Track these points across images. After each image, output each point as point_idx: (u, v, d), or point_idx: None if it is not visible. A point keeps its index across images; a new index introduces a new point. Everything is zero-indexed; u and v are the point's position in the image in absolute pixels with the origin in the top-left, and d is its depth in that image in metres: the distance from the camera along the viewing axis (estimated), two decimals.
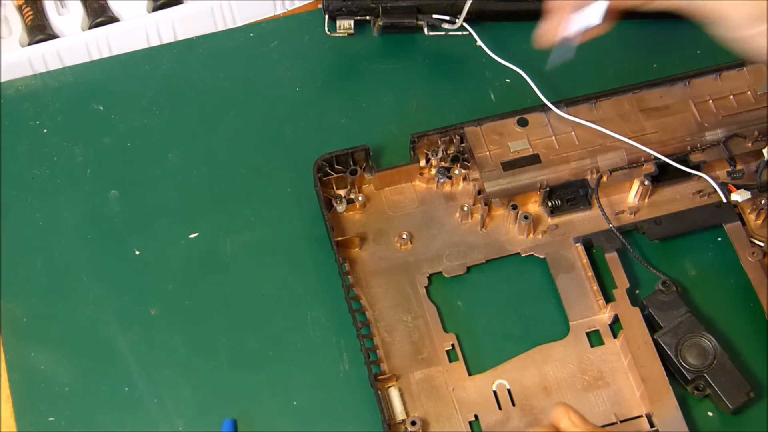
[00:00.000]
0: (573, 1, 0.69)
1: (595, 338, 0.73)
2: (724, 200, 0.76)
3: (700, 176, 0.76)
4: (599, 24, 0.68)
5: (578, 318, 0.74)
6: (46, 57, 0.84)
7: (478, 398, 0.71)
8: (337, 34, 0.85)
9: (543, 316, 0.74)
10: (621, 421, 0.70)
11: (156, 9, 0.86)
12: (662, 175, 0.77)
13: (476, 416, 0.71)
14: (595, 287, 0.74)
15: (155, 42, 0.86)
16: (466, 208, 0.76)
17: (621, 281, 0.74)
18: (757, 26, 0.67)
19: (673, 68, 0.80)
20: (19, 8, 0.86)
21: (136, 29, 0.85)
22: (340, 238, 0.75)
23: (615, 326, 0.73)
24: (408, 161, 0.78)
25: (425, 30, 0.84)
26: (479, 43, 0.82)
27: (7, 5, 0.87)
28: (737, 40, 0.68)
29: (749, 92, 0.78)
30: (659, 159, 0.76)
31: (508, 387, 0.72)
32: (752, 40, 0.68)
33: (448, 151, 0.77)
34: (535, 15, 0.74)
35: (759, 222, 0.76)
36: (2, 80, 0.83)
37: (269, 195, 0.79)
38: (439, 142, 0.77)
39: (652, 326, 0.72)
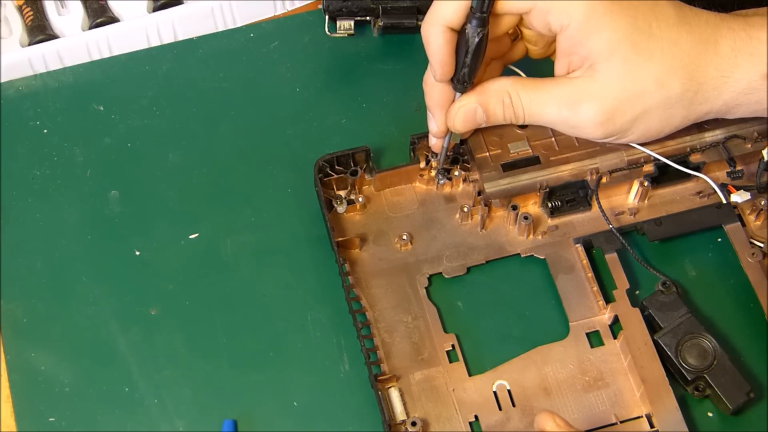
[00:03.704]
0: (448, 98, 0.73)
1: (595, 339, 0.73)
2: (724, 201, 0.76)
3: (700, 177, 0.76)
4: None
5: (578, 319, 0.74)
6: (46, 57, 0.84)
7: (478, 399, 0.71)
8: (337, 35, 0.85)
9: (543, 316, 0.74)
10: (621, 422, 0.70)
11: (156, 9, 0.86)
12: (662, 176, 0.77)
13: (476, 417, 0.71)
14: (595, 288, 0.74)
15: (155, 42, 0.86)
16: (466, 209, 0.76)
17: (621, 282, 0.74)
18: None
19: None
20: (19, 8, 0.86)
21: (136, 29, 0.85)
22: (340, 239, 0.75)
23: (615, 327, 0.73)
24: (408, 162, 0.78)
25: None
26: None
27: (7, 5, 0.87)
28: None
29: None
30: (659, 160, 0.76)
31: (508, 387, 0.72)
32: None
33: (449, 153, 0.77)
34: None
35: (759, 223, 0.76)
36: (2, 80, 0.83)
37: (269, 195, 0.79)
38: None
39: (652, 327, 0.72)
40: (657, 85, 0.70)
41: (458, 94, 0.73)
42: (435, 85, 0.73)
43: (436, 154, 0.77)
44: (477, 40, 0.69)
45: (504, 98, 0.72)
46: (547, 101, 0.72)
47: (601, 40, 0.69)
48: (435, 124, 0.74)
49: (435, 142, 0.76)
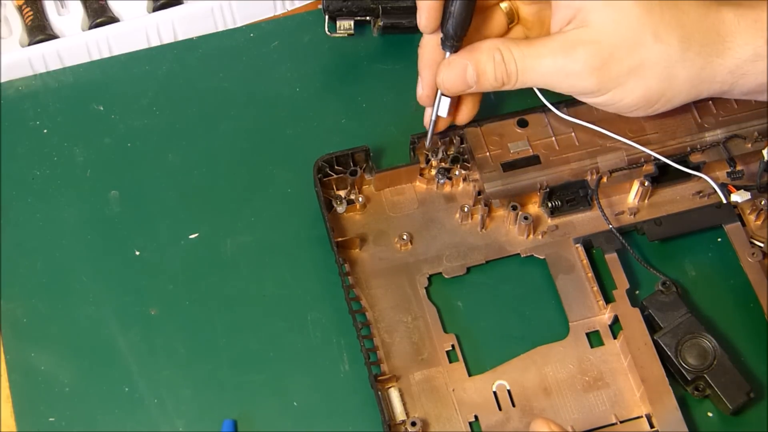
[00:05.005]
0: (437, 59, 0.72)
1: (595, 339, 0.73)
2: (724, 201, 0.76)
3: (700, 177, 0.76)
4: (450, 114, 0.74)
5: (578, 319, 0.74)
6: (46, 57, 0.84)
7: (478, 399, 0.71)
8: (337, 35, 0.85)
9: (543, 316, 0.74)
10: (621, 422, 0.70)
11: (156, 9, 0.86)
12: (662, 176, 0.77)
13: (476, 417, 0.71)
14: (595, 288, 0.74)
15: (155, 42, 0.86)
16: (466, 209, 0.76)
17: (621, 282, 0.74)
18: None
19: None
20: (19, 8, 0.86)
21: (136, 29, 0.85)
22: (340, 239, 0.75)
23: (615, 327, 0.73)
24: (408, 162, 0.78)
25: None
26: None
27: (7, 5, 0.87)
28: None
29: None
30: (659, 160, 0.76)
31: (508, 388, 0.72)
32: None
33: (448, 152, 0.77)
34: None
35: (759, 223, 0.76)
36: (2, 80, 0.83)
37: (269, 195, 0.79)
38: (439, 143, 0.77)
39: (652, 327, 0.72)
40: (654, 38, 0.68)
41: (449, 54, 0.72)
42: (427, 45, 0.72)
43: (436, 153, 0.77)
44: None
45: (495, 55, 0.70)
46: (541, 53, 0.70)
47: None
48: (422, 87, 0.73)
49: (425, 119, 0.75)
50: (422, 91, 0.74)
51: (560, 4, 0.70)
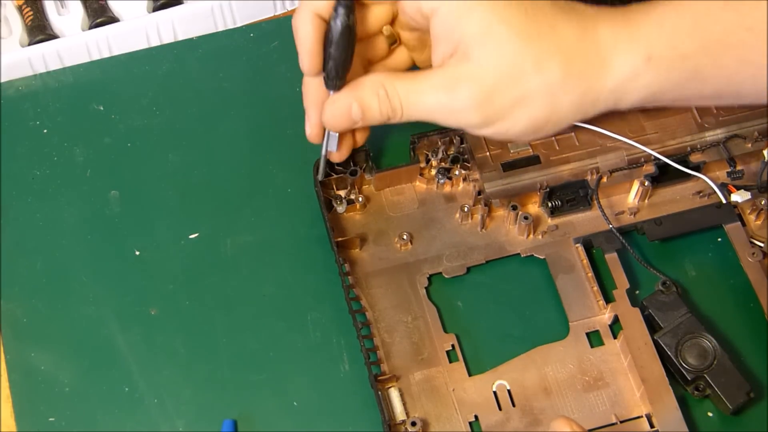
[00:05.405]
0: (322, 97, 0.71)
1: (595, 339, 0.73)
2: (724, 201, 0.76)
3: (700, 177, 0.76)
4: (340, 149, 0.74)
5: (578, 318, 0.74)
6: (46, 57, 0.84)
7: (478, 399, 0.71)
8: None
9: (543, 316, 0.74)
10: (621, 422, 0.70)
11: (156, 9, 0.86)
12: (662, 176, 0.77)
13: (476, 417, 0.71)
14: (595, 288, 0.74)
15: (155, 42, 0.86)
16: (466, 209, 0.76)
17: (621, 282, 0.74)
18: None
19: None
20: (19, 8, 0.86)
21: (136, 29, 0.85)
22: (340, 239, 0.75)
23: (615, 327, 0.73)
24: (408, 162, 0.78)
25: None
26: None
27: (7, 5, 0.87)
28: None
29: None
30: (659, 159, 0.76)
31: (508, 387, 0.72)
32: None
33: (449, 152, 0.77)
34: None
35: (759, 222, 0.76)
36: (2, 80, 0.83)
37: (269, 195, 0.79)
38: (440, 143, 0.77)
39: (652, 327, 0.72)
40: (535, 67, 0.67)
41: (333, 92, 0.70)
42: (310, 84, 0.71)
43: (437, 153, 0.77)
44: (340, 27, 0.67)
45: (379, 91, 0.69)
46: (425, 89, 0.69)
47: (474, 21, 0.66)
48: (309, 126, 0.73)
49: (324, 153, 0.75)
50: (310, 130, 0.73)
51: (440, 38, 0.68)
